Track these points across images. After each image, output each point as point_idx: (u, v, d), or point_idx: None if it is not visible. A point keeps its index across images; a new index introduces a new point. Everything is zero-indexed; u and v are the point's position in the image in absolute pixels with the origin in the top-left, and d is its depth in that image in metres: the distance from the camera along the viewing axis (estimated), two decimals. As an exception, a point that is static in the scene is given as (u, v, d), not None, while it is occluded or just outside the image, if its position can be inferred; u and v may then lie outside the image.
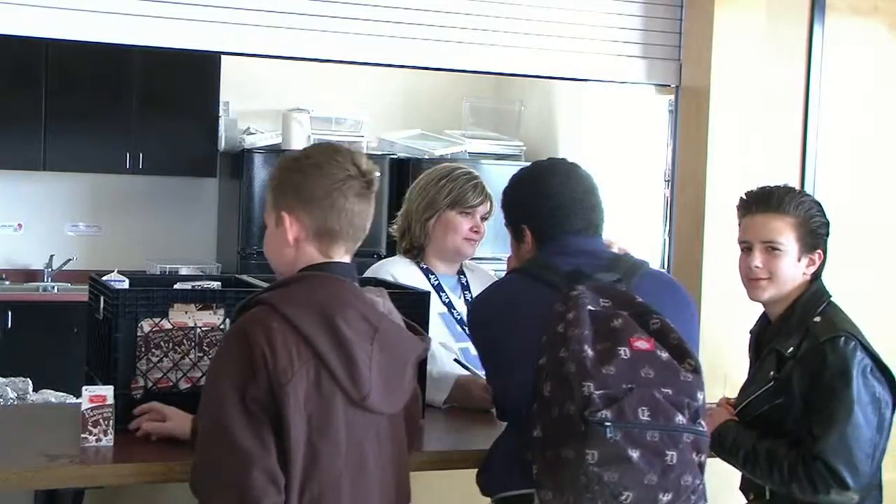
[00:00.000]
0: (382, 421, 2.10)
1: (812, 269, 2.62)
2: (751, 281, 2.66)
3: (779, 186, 2.69)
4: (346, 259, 2.14)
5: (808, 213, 2.62)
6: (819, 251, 2.63)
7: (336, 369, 1.99)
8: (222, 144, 6.31)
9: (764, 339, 2.70)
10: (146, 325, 2.47)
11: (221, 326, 2.55)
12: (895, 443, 2.62)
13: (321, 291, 2.05)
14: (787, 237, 2.61)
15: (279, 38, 3.24)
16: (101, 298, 2.60)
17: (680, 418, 2.03)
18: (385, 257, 3.52)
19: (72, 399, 3.00)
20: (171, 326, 2.49)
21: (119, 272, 3.77)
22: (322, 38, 3.28)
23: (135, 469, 2.27)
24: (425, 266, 3.21)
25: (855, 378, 2.44)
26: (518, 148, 6.49)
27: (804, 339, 2.54)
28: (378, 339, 2.05)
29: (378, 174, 2.15)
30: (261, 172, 6.03)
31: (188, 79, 6.21)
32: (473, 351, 3.20)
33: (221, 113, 6.37)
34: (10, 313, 5.67)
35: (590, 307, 2.12)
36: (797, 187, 2.72)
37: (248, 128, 6.45)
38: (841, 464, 2.41)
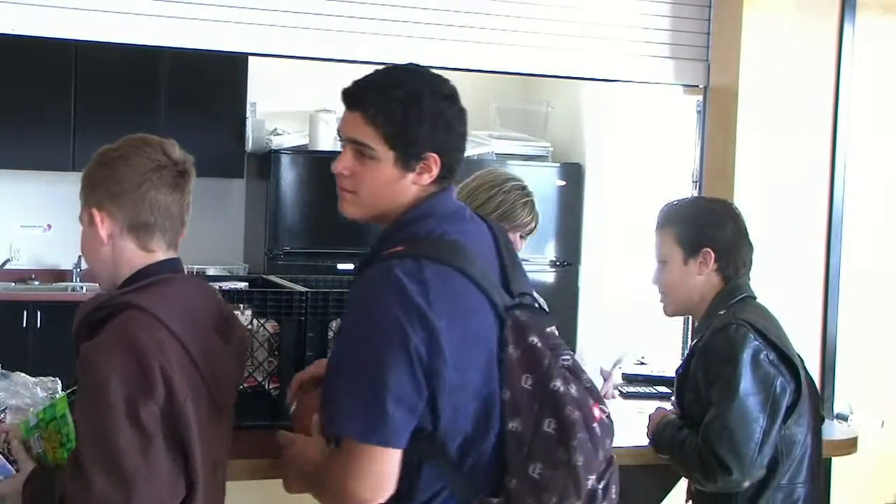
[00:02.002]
0: (226, 418, 2.07)
1: (706, 268, 2.64)
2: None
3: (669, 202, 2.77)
4: (171, 254, 2.05)
5: (684, 217, 2.68)
6: (706, 249, 2.63)
7: (208, 379, 1.92)
8: (249, 145, 6.34)
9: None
10: (174, 326, 2.48)
11: (248, 327, 2.56)
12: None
13: (186, 295, 1.99)
14: (670, 247, 2.68)
15: (304, 39, 3.25)
16: (129, 299, 2.61)
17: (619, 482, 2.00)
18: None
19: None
20: (198, 327, 2.50)
21: (147, 272, 3.82)
22: (347, 39, 3.29)
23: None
24: (460, 268, 3.19)
25: (743, 364, 2.45)
26: (545, 149, 6.47)
27: (705, 333, 2.59)
28: (234, 338, 2.04)
29: (192, 163, 2.04)
30: (288, 173, 6.05)
31: (215, 80, 6.23)
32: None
33: (248, 114, 6.39)
34: (39, 313, 5.72)
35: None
36: (699, 193, 2.78)
37: (276, 129, 6.47)
38: (724, 449, 2.41)
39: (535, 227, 3.00)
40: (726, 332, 2.51)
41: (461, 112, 2.00)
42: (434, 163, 1.96)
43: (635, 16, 3.61)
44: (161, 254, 2.03)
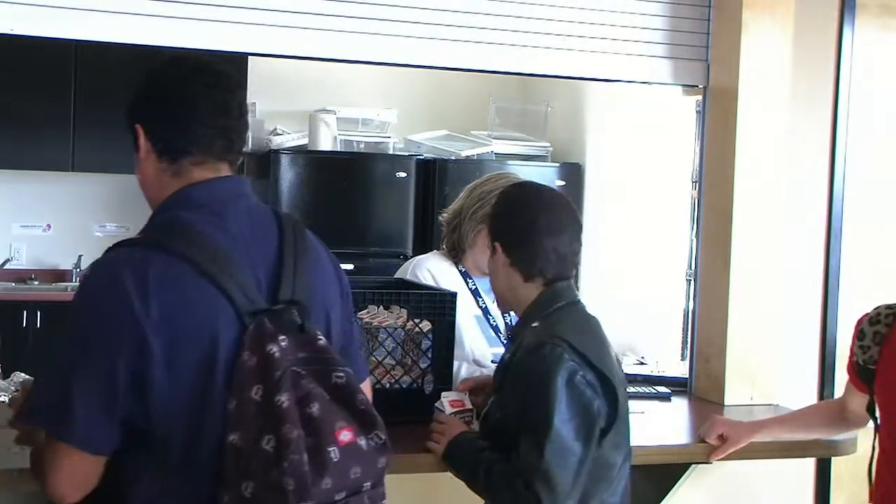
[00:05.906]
0: None
1: (500, 262, 2.43)
2: None
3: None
4: None
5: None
6: (497, 244, 2.45)
7: None
8: (249, 145, 6.33)
9: None
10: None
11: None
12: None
13: None
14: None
15: (304, 39, 3.24)
16: (129, 299, 2.61)
17: None
18: (411, 258, 3.52)
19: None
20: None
21: (147, 272, 3.81)
22: (347, 39, 3.28)
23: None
24: (463, 269, 3.19)
25: (557, 388, 2.23)
26: (545, 149, 6.47)
27: (519, 348, 2.36)
28: None
29: None
30: (288, 173, 6.05)
31: (215, 80, 6.23)
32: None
33: (248, 114, 6.39)
34: (38, 313, 5.72)
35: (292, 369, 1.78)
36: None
37: (275, 128, 6.47)
38: (539, 484, 2.21)
39: None
40: (540, 352, 2.28)
41: (204, 89, 2.02)
42: (139, 134, 1.96)
43: (635, 16, 3.61)
44: None
